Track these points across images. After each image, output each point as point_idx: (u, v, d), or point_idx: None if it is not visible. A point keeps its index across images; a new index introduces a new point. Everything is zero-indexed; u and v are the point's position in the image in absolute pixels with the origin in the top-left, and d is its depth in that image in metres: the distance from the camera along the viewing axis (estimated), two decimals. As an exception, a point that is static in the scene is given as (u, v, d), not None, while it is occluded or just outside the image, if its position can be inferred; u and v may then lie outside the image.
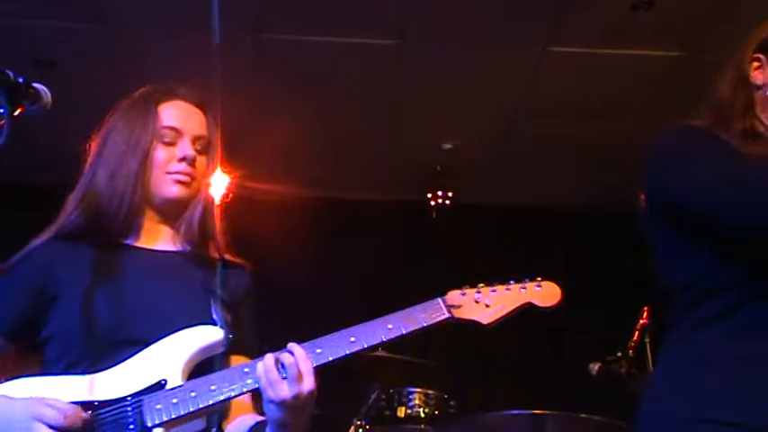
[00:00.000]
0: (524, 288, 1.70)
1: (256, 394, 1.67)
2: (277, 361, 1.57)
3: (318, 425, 2.39)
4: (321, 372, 1.61)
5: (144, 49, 4.60)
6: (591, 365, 3.51)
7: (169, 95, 1.86)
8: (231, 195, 2.21)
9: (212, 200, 1.85)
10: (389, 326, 1.64)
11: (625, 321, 3.72)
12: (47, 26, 4.49)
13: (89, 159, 1.84)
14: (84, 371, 1.65)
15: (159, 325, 1.66)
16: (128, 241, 1.81)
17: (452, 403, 3.82)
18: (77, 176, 1.83)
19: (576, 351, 4.12)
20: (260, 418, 1.70)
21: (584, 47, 4.72)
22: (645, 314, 3.74)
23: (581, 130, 5.46)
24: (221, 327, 1.69)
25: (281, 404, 1.56)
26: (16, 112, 1.41)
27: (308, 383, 1.56)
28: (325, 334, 1.65)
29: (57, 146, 4.81)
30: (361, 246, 5.91)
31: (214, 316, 1.71)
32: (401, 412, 3.76)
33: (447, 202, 5.88)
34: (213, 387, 1.60)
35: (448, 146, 5.74)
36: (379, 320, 1.65)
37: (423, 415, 3.76)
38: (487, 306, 1.68)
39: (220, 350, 1.69)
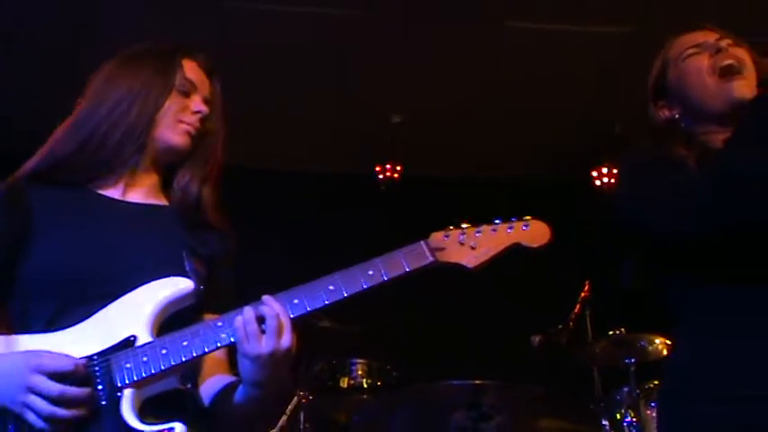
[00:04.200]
0: (511, 228, 1.58)
1: (232, 351, 1.58)
2: (256, 314, 1.50)
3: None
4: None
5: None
6: (533, 337, 3.54)
7: (192, 54, 1.85)
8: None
9: (219, 164, 1.84)
10: (370, 272, 1.54)
11: (566, 294, 3.77)
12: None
13: (87, 97, 1.77)
14: (48, 328, 1.56)
15: (128, 278, 1.58)
16: (104, 192, 1.72)
17: (395, 374, 3.83)
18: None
19: (519, 322, 4.14)
20: (233, 378, 1.63)
21: (538, 22, 4.75)
22: (586, 287, 3.80)
23: (532, 105, 5.49)
24: (191, 278, 1.60)
25: (257, 359, 1.49)
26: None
27: (287, 339, 1.50)
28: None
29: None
30: (307, 218, 5.86)
31: (186, 267, 1.62)
32: (344, 383, 3.76)
33: (395, 175, 5.86)
34: (185, 343, 1.52)
35: (397, 119, 5.71)
36: (358, 267, 1.56)
37: (365, 385, 3.77)
38: (473, 248, 1.57)
39: (190, 302, 1.59)
